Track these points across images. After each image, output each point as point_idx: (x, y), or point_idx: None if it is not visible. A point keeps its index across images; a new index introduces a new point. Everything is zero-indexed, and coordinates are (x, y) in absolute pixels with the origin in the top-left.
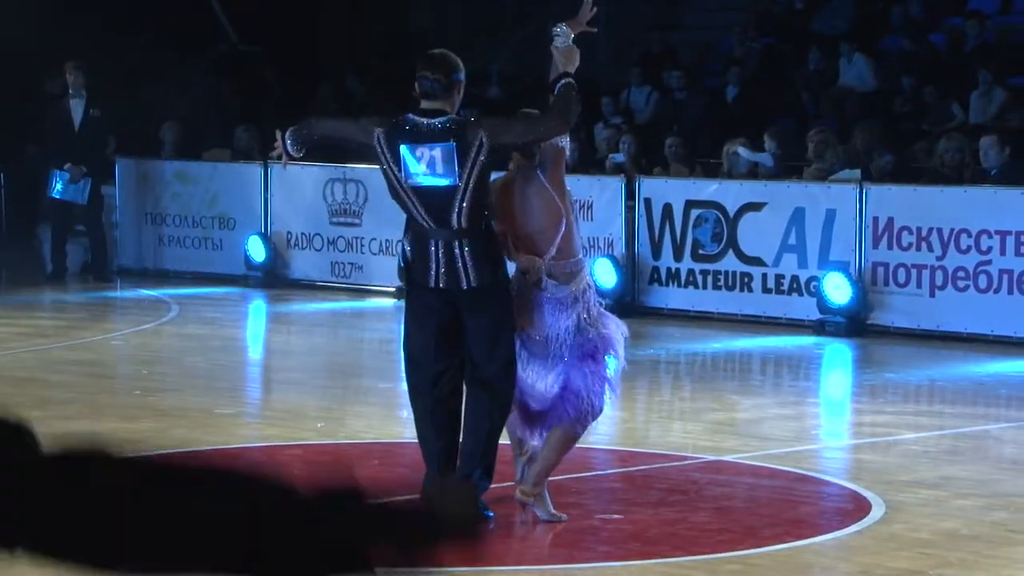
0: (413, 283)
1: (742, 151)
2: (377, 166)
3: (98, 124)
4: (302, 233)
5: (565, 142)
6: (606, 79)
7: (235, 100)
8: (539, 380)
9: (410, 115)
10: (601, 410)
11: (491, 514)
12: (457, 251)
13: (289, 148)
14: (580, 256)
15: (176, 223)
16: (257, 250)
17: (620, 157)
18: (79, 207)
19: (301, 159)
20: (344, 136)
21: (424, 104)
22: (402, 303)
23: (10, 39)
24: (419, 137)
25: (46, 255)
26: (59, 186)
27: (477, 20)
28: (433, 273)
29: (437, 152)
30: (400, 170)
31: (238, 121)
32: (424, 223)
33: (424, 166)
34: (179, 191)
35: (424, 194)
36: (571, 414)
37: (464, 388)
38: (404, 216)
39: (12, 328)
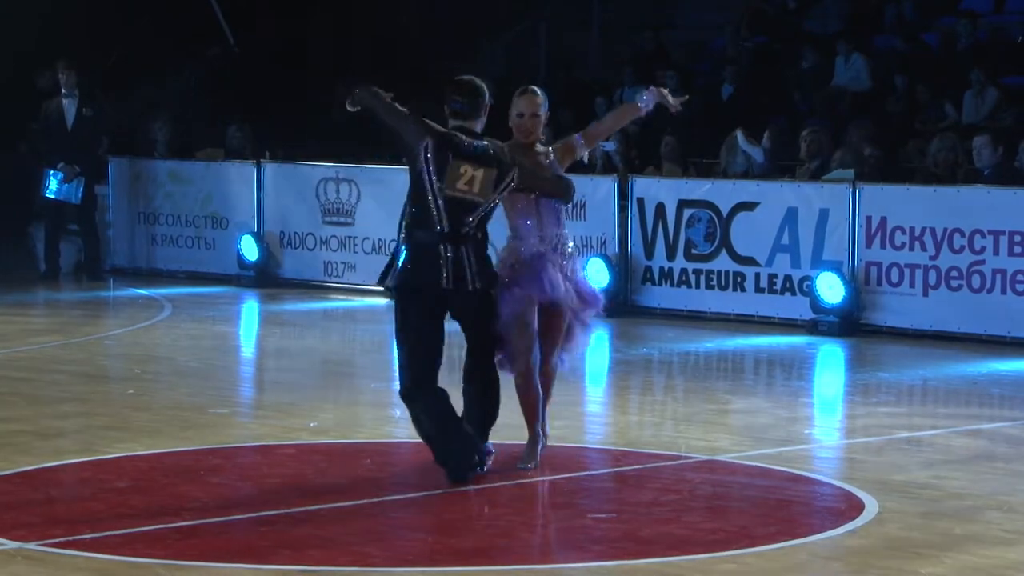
0: (415, 284)
1: (741, 136)
2: (405, 166)
3: (91, 123)
4: (295, 232)
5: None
6: (599, 79)
7: (228, 100)
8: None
9: (457, 132)
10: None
11: (492, 448)
12: (464, 254)
13: (353, 102)
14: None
15: (169, 222)
16: (250, 249)
17: (610, 146)
18: (72, 206)
19: (294, 159)
20: (398, 127)
21: (454, 123)
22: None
23: (3, 36)
24: (465, 154)
25: (39, 254)
26: (53, 185)
27: (468, 21)
28: (445, 274)
29: (480, 173)
30: (441, 180)
31: (231, 121)
32: (439, 227)
33: (463, 182)
34: (172, 190)
35: (454, 205)
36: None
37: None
38: (398, 217)
39: (5, 327)
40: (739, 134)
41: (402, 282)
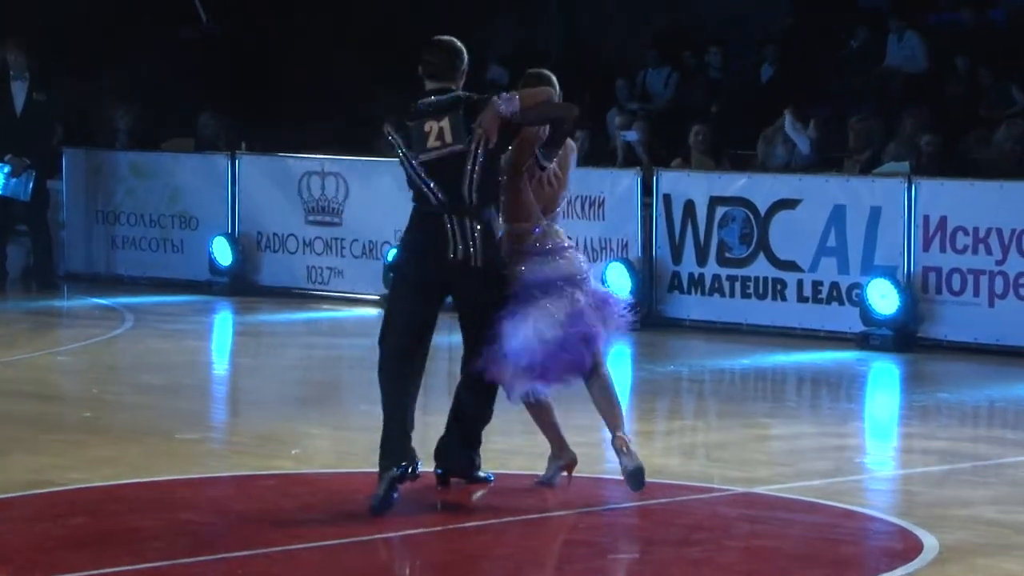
0: (422, 255)
1: (788, 119)
2: (396, 158)
3: (42, 110)
4: (274, 234)
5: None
6: (620, 60)
7: (200, 84)
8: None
9: (419, 100)
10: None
11: (492, 477)
12: (469, 229)
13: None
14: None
15: (131, 222)
16: (223, 253)
17: (632, 135)
18: (21, 204)
19: (274, 150)
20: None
21: (430, 85)
22: None
23: None
24: (427, 113)
25: None
26: None
27: None
28: (451, 243)
29: (445, 122)
30: (411, 148)
31: (202, 107)
32: (436, 201)
33: (433, 138)
34: (135, 186)
35: (435, 168)
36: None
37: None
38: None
39: None
40: (787, 117)
41: (403, 251)
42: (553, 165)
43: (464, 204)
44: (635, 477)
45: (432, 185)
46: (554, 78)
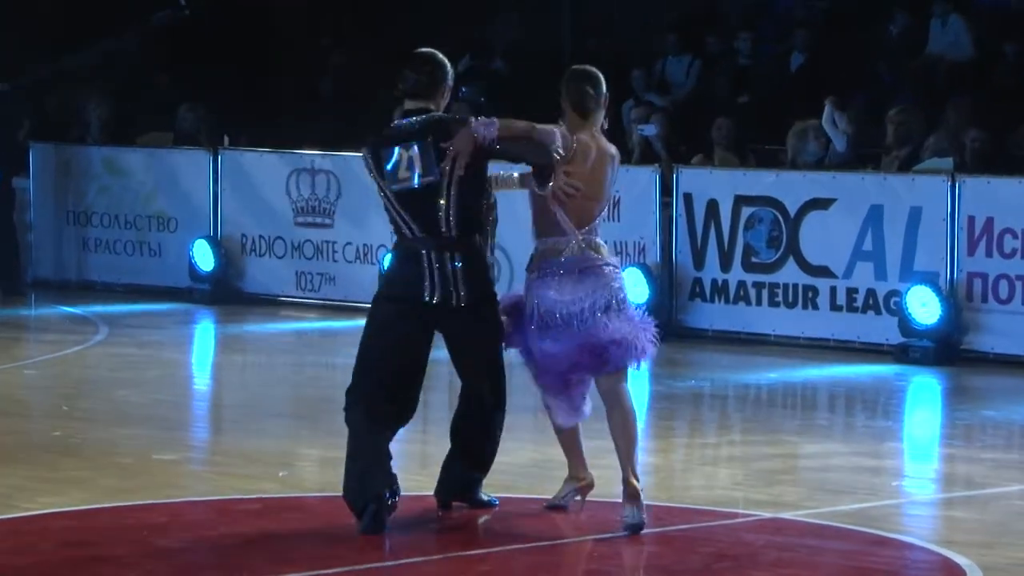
0: (397, 298)
1: (828, 109)
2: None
3: (7, 101)
4: (260, 236)
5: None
6: (637, 47)
7: (179, 73)
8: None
9: (395, 121)
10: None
11: (496, 501)
12: (449, 265)
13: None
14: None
15: (105, 223)
16: (205, 257)
17: (650, 129)
18: None
19: (260, 145)
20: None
21: (408, 104)
22: None
23: None
24: (398, 139)
25: None
26: None
27: None
28: (428, 285)
29: (414, 150)
30: (383, 177)
31: (182, 98)
32: (411, 233)
33: (403, 168)
34: (109, 184)
35: (406, 198)
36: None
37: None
38: (386, 217)
39: None
40: (827, 107)
41: (380, 290)
42: (564, 181)
43: (442, 237)
44: (632, 530)
45: (406, 217)
46: (601, 77)
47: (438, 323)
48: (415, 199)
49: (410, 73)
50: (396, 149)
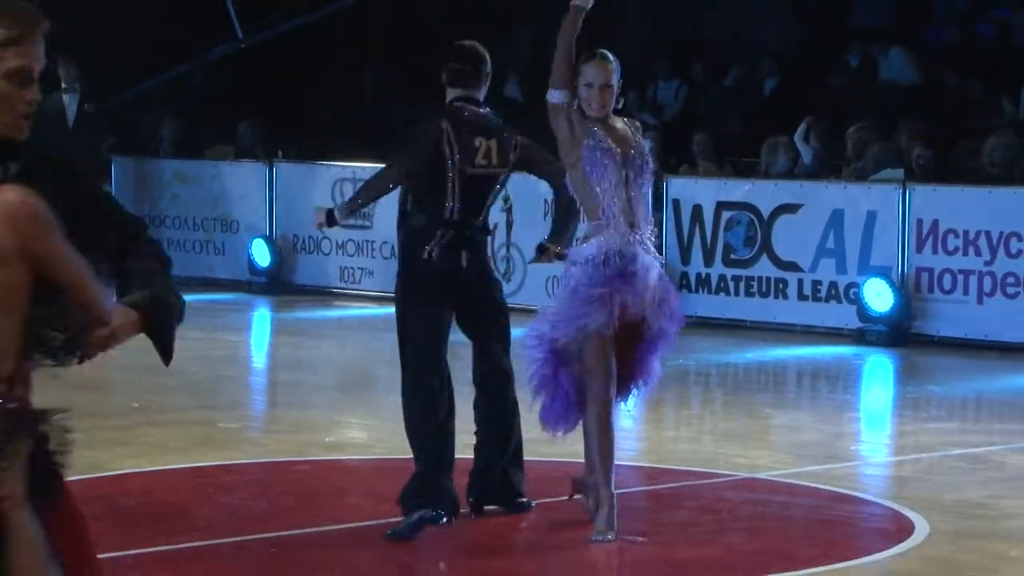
0: (433, 267)
1: (803, 128)
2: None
3: (93, 122)
4: (309, 236)
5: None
6: (633, 71)
7: (239, 94)
8: None
9: (466, 105)
10: None
11: (532, 503)
12: (478, 242)
13: (337, 219)
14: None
15: (176, 225)
16: (262, 254)
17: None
18: None
19: (309, 158)
20: (390, 184)
21: (453, 93)
22: None
23: None
24: (480, 127)
25: None
26: None
27: (494, 8)
28: (465, 257)
29: (493, 143)
30: (463, 158)
31: (242, 117)
32: (452, 214)
33: (481, 155)
34: (179, 192)
35: (473, 184)
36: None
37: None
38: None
39: None
40: (803, 125)
41: (411, 265)
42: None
43: (473, 224)
44: (599, 535)
45: (456, 198)
46: (614, 59)
47: (452, 294)
48: (477, 185)
49: (455, 64)
50: (476, 136)
